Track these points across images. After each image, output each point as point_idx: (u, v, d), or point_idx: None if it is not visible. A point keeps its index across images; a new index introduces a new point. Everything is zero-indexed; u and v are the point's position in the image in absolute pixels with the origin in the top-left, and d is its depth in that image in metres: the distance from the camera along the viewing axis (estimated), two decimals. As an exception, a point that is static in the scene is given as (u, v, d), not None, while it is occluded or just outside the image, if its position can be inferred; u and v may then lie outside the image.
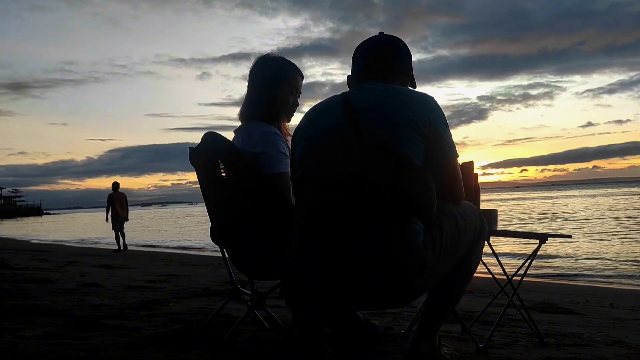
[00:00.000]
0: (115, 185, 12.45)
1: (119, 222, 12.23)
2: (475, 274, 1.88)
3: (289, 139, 2.24)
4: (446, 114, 1.70)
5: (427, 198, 1.55)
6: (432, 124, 1.64)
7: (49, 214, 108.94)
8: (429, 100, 1.68)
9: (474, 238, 1.78)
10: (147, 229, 27.49)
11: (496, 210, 2.36)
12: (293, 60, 2.24)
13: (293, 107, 2.28)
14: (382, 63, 1.81)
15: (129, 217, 12.52)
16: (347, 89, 1.84)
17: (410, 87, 1.85)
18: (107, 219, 12.27)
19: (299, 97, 2.29)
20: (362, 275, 1.52)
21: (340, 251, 1.53)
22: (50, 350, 1.99)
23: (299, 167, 1.72)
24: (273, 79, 2.21)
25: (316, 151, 1.67)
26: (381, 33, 1.86)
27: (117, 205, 12.13)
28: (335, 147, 1.62)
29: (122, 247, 12.39)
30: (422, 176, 1.55)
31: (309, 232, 1.60)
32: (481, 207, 2.17)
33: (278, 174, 2.04)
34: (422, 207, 1.54)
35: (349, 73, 1.90)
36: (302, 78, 2.28)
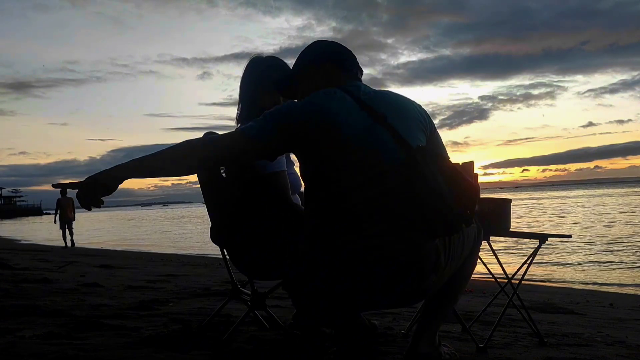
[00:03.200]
0: (63, 191, 14.03)
1: (66, 223, 14.08)
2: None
3: None
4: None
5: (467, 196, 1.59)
6: (431, 127, 1.71)
7: (49, 213, 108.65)
8: (421, 106, 1.76)
9: (474, 240, 1.80)
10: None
11: (510, 200, 2.36)
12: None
13: None
14: (354, 68, 1.81)
15: (75, 217, 14.49)
16: None
17: None
18: (55, 221, 14.07)
19: None
20: (378, 275, 1.53)
21: (351, 251, 1.53)
22: (50, 350, 1.99)
23: (313, 161, 1.60)
24: (260, 82, 2.20)
25: (340, 149, 1.56)
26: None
27: (65, 208, 13.95)
28: (367, 147, 1.55)
29: (69, 244, 14.07)
30: (460, 175, 1.59)
31: (322, 233, 1.58)
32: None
33: (276, 173, 2.04)
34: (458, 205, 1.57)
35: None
36: None
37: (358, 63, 1.82)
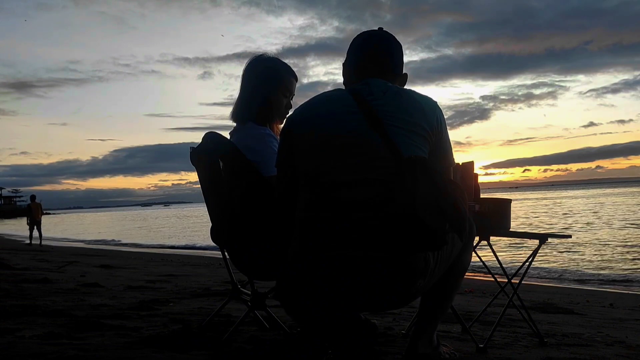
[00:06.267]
0: (33, 197, 16.89)
1: (35, 225, 16.32)
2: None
3: None
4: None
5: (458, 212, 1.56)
6: (438, 130, 1.66)
7: (49, 213, 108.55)
8: (435, 106, 1.69)
9: (466, 237, 1.79)
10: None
11: (510, 200, 2.36)
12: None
13: (286, 110, 2.24)
14: (385, 60, 1.77)
15: (42, 220, 16.77)
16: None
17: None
18: (27, 222, 16.48)
19: (291, 99, 2.26)
20: (365, 276, 1.53)
21: (342, 252, 1.53)
22: (50, 350, 1.99)
23: (303, 164, 1.65)
24: (266, 81, 2.19)
25: (329, 152, 1.60)
26: (380, 29, 1.82)
27: (34, 212, 16.29)
28: (357, 152, 1.57)
29: (33, 243, 16.01)
30: (451, 190, 1.57)
31: (311, 231, 1.59)
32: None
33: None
34: (450, 218, 1.55)
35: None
36: (296, 80, 2.26)
37: (389, 57, 1.77)
